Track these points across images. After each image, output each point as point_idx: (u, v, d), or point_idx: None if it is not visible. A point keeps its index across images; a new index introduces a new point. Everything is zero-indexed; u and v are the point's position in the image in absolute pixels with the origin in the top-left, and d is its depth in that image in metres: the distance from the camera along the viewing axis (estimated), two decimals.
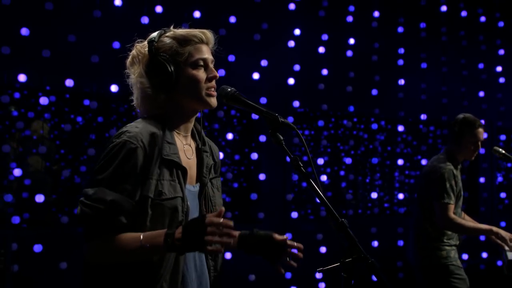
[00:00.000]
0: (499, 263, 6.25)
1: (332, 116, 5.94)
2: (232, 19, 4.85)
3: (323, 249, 5.18)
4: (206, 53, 1.70)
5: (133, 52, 1.72)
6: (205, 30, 1.72)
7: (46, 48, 4.00)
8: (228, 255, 4.52)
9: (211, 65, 1.71)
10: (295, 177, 5.36)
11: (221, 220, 1.43)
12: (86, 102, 4.31)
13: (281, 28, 5.20)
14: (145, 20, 4.31)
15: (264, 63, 4.98)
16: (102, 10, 4.19)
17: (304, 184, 5.70)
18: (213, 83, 1.71)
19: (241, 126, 5.49)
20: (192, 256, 1.69)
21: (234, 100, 1.68)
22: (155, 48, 1.65)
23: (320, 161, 5.34)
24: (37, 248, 3.94)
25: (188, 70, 1.66)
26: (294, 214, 5.17)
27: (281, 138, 1.63)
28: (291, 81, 5.09)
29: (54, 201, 4.43)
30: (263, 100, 4.70)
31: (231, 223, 1.45)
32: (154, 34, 1.69)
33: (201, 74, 1.68)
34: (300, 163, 1.60)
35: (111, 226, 1.52)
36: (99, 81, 4.27)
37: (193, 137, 1.81)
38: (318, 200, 1.57)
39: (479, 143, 3.56)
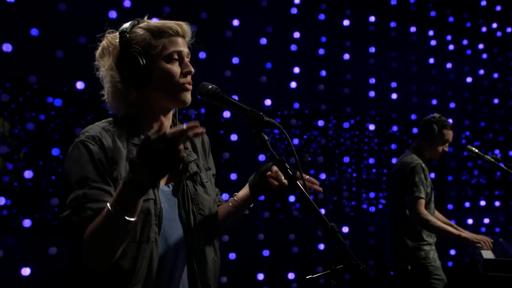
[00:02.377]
0: (467, 260, 6.35)
1: (304, 115, 5.90)
2: (203, 15, 4.74)
3: (295, 249, 5.13)
4: (182, 46, 1.60)
5: (104, 43, 1.60)
6: (181, 22, 1.62)
7: (7, 42, 3.80)
8: None
9: (187, 59, 1.62)
10: None
11: (182, 126, 1.25)
12: (50, 99, 4.12)
13: (252, 25, 5.11)
14: (113, 14, 4.17)
15: (235, 60, 4.89)
16: (67, 3, 4.03)
17: None
18: (189, 78, 1.61)
19: (209, 124, 5.37)
20: (169, 262, 1.57)
21: (216, 98, 1.59)
22: (126, 40, 1.54)
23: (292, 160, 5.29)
24: None
25: (161, 64, 1.56)
26: (266, 214, 5.10)
27: (266, 138, 1.55)
28: (263, 78, 5.01)
29: (15, 203, 4.20)
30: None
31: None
32: (126, 24, 1.58)
33: (175, 68, 1.58)
34: (287, 165, 1.53)
35: (90, 213, 1.40)
36: (64, 78, 4.09)
37: None
38: (306, 203, 1.49)
39: (447, 144, 3.67)
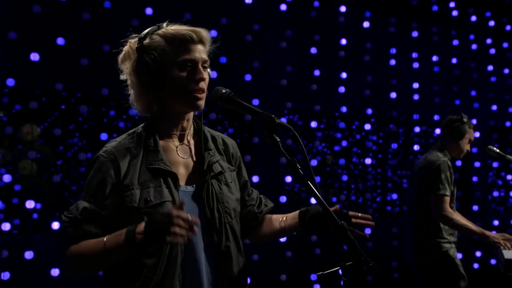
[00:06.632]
0: (493, 261, 6.26)
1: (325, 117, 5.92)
2: (187, 16, 4.64)
3: (317, 251, 5.14)
4: (196, 52, 1.63)
5: (126, 48, 1.69)
6: (197, 29, 1.65)
7: (34, 51, 3.90)
8: None
9: (201, 66, 1.65)
10: (288, 179, 5.33)
11: (188, 215, 1.43)
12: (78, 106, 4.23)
13: (240, 24, 4.99)
14: (86, 16, 4.09)
15: (222, 60, 4.76)
16: (42, 5, 4.00)
17: (298, 186, 5.67)
18: (201, 85, 1.65)
19: (233, 127, 5.44)
20: (192, 260, 1.63)
21: (229, 102, 1.64)
22: (143, 46, 1.62)
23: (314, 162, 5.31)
24: (28, 255, 3.86)
25: (173, 71, 1.62)
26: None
27: (278, 139, 1.59)
28: (248, 77, 4.90)
29: (44, 206, 4.32)
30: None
31: (197, 220, 1.46)
32: (146, 30, 1.66)
33: (187, 75, 1.63)
34: (297, 165, 1.56)
35: (80, 233, 1.57)
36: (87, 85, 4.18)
37: (195, 134, 1.78)
38: (316, 202, 1.53)
39: (470, 144, 3.76)
